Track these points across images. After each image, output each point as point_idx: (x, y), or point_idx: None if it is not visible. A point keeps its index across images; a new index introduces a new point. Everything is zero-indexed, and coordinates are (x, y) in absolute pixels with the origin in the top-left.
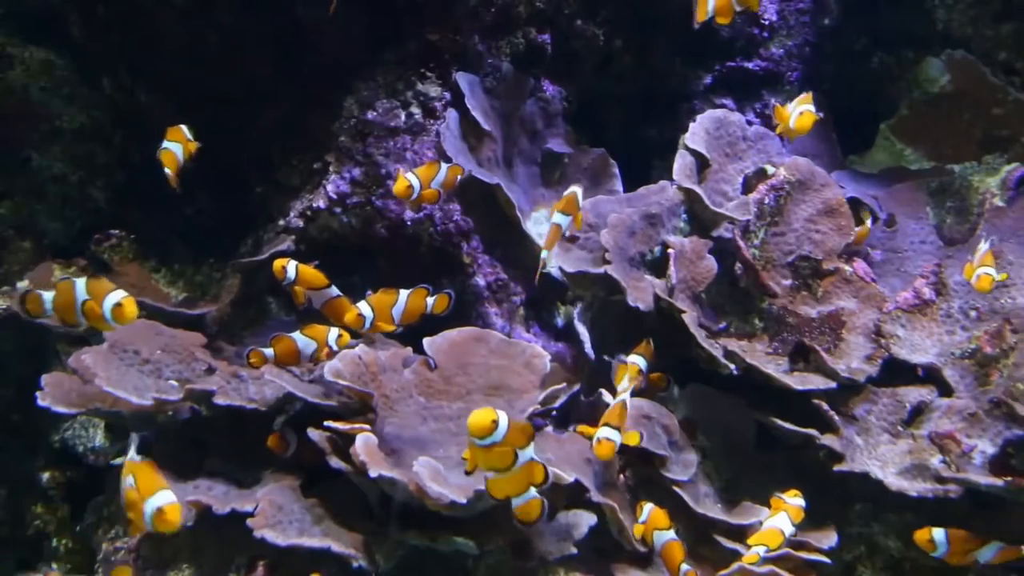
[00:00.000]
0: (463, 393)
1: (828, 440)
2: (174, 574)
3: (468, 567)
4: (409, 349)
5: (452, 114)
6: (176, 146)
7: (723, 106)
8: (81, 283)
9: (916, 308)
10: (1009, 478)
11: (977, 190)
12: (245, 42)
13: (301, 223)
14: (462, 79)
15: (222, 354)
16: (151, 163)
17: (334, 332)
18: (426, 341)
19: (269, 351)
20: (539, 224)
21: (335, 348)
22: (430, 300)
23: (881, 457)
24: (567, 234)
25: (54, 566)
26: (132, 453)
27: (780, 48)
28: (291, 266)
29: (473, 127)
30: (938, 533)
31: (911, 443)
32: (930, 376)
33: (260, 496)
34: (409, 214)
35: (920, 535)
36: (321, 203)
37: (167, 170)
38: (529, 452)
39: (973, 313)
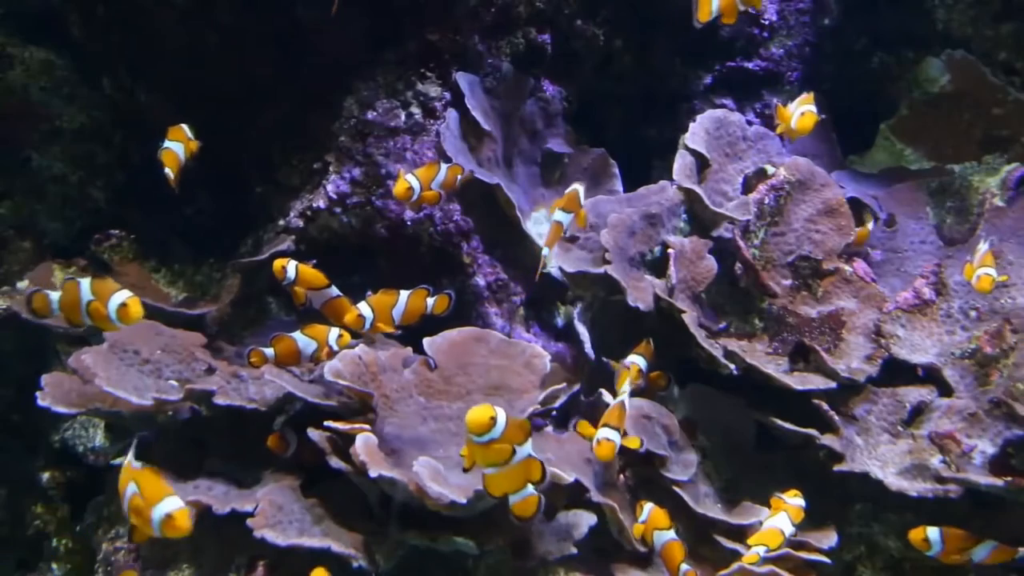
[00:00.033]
0: (463, 393)
1: (828, 440)
2: (174, 574)
3: (468, 567)
4: (409, 349)
5: (452, 114)
6: (177, 145)
7: (723, 106)
8: (86, 283)
9: (916, 308)
10: (1009, 478)
11: (977, 190)
12: (245, 42)
13: (301, 223)
14: (462, 79)
15: (222, 354)
16: (151, 163)
17: (334, 332)
18: (426, 341)
19: (269, 351)
20: (539, 224)
21: (335, 348)
22: (430, 300)
23: (881, 457)
24: (569, 232)
25: (54, 567)
26: (131, 459)
27: (780, 48)
28: (291, 266)
29: (473, 127)
30: (933, 532)
31: (911, 443)
32: (930, 376)
33: (260, 496)
34: (409, 214)
35: (915, 534)
36: (321, 203)
37: (167, 170)
38: (527, 448)
39: (973, 313)
